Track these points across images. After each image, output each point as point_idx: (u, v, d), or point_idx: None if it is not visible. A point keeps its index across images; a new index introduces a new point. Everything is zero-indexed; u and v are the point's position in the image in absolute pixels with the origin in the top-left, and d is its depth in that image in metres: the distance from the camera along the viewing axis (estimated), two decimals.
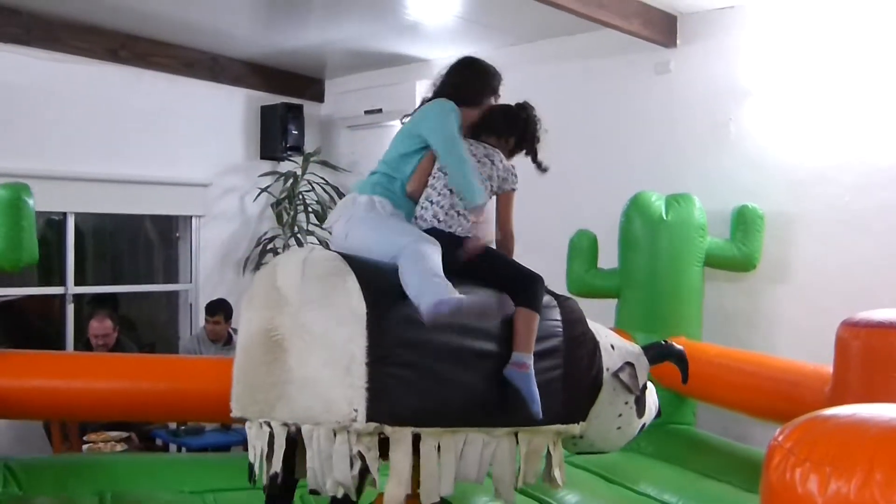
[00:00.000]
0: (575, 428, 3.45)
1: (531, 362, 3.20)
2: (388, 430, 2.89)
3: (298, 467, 3.10)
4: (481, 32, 6.57)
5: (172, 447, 5.88)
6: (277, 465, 2.94)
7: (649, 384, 3.75)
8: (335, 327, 2.87)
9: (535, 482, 3.48)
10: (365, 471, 2.91)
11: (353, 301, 2.89)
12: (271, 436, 2.92)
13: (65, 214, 6.80)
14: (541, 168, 3.78)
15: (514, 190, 3.66)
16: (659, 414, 3.85)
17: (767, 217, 5.44)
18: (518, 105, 3.80)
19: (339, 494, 2.96)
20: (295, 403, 2.85)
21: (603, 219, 5.71)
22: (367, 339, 2.85)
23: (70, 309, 6.83)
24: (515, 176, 3.66)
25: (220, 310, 6.55)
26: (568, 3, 5.23)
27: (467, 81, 3.63)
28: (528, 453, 3.33)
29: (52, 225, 6.82)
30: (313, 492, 2.98)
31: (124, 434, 5.70)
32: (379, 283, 2.98)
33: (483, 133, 3.69)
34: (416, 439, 3.01)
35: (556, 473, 3.49)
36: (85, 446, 5.54)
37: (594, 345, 3.54)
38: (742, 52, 5.72)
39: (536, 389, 3.20)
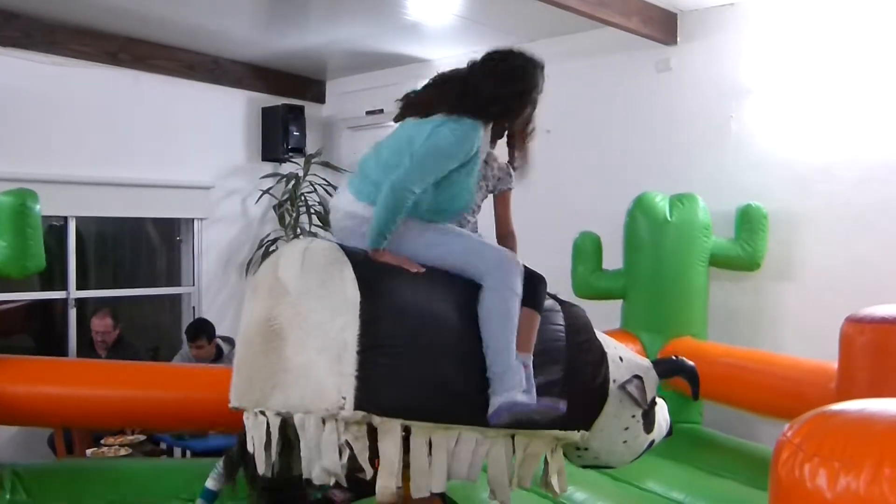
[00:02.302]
0: (574, 435, 3.40)
1: (531, 363, 3.19)
2: (376, 419, 2.86)
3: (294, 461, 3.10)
4: (481, 32, 6.56)
5: (177, 451, 5.87)
6: (273, 455, 2.94)
7: (660, 401, 3.71)
8: (330, 316, 2.86)
9: (530, 486, 3.46)
10: (354, 460, 2.89)
11: (348, 290, 2.89)
12: (267, 425, 2.92)
13: (66, 218, 6.79)
14: (513, 163, 3.73)
15: (510, 189, 3.65)
16: (670, 432, 3.78)
17: (770, 215, 5.43)
18: None
19: (331, 483, 2.94)
20: (290, 391, 2.84)
21: (607, 219, 5.71)
22: (359, 328, 2.84)
23: (72, 313, 6.82)
24: (511, 175, 3.65)
25: (201, 333, 6.30)
26: (568, 1, 5.23)
27: (514, 96, 3.28)
28: (525, 457, 3.30)
29: (54, 229, 6.80)
30: (308, 481, 2.96)
31: (141, 437, 5.70)
32: (375, 274, 2.97)
33: None
34: (409, 434, 2.99)
35: (554, 480, 3.45)
36: (89, 451, 5.53)
37: (601, 354, 3.50)
38: (743, 49, 5.71)
39: (535, 391, 3.18)
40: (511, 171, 3.65)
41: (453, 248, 3.17)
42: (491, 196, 3.77)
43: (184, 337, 6.71)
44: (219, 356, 6.26)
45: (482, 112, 3.18)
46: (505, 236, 3.66)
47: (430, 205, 3.16)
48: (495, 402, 3.03)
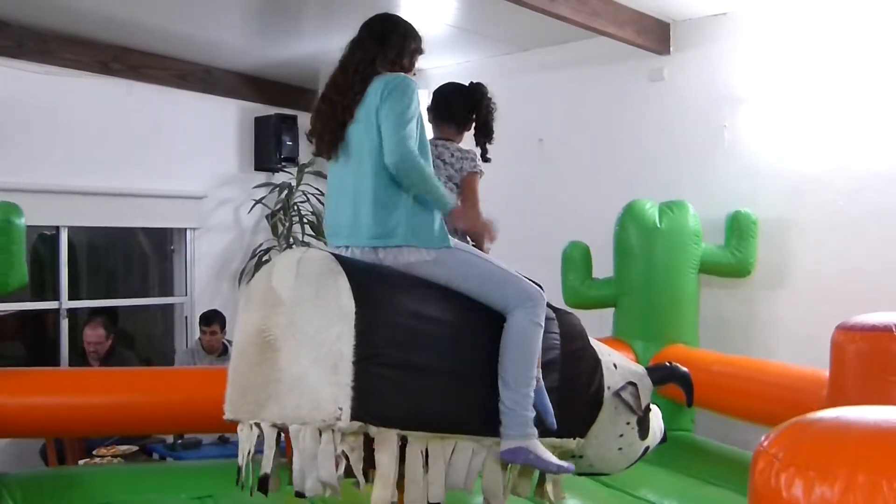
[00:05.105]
0: (570, 443, 3.41)
1: (540, 375, 3.19)
2: (372, 430, 2.86)
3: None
4: (475, 41, 6.57)
5: (170, 461, 5.85)
6: (268, 466, 2.93)
7: (654, 408, 3.71)
8: (325, 326, 2.84)
9: (528, 495, 3.45)
10: (349, 471, 2.89)
11: (342, 300, 2.87)
12: (261, 437, 2.90)
13: (57, 228, 6.77)
14: (485, 156, 3.73)
15: (475, 172, 3.61)
16: (664, 439, 3.80)
17: (762, 223, 5.44)
18: (472, 85, 3.79)
19: (326, 495, 2.92)
20: (284, 403, 2.83)
21: (598, 227, 5.71)
22: (355, 337, 2.82)
23: (64, 324, 6.79)
24: (473, 160, 3.61)
25: (214, 319, 6.54)
26: (562, 11, 5.24)
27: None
28: (522, 466, 3.30)
29: (45, 239, 6.78)
30: (299, 494, 2.94)
31: (134, 448, 5.70)
32: (370, 284, 2.96)
33: (441, 123, 3.65)
34: (405, 443, 2.98)
35: (549, 488, 3.46)
36: (81, 462, 5.51)
37: (595, 362, 3.50)
38: (735, 58, 5.72)
39: (549, 402, 3.19)
40: (475, 154, 3.61)
41: (488, 273, 3.17)
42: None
43: (177, 345, 6.73)
44: (224, 351, 6.40)
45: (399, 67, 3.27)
46: (472, 224, 3.60)
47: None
48: (509, 443, 3.07)
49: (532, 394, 3.10)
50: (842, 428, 1.57)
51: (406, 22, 3.36)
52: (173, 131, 7.32)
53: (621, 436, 3.55)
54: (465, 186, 3.60)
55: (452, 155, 3.59)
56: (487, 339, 3.14)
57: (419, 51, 3.37)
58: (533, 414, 3.10)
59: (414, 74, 3.35)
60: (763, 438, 1.64)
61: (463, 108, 3.70)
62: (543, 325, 3.17)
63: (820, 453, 1.50)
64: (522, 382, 3.08)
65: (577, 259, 5.60)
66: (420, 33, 3.37)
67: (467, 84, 3.84)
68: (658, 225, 5.36)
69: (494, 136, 3.76)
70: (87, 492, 4.34)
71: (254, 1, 6.16)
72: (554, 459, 3.13)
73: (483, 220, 3.41)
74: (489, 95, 3.75)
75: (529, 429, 3.08)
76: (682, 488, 4.59)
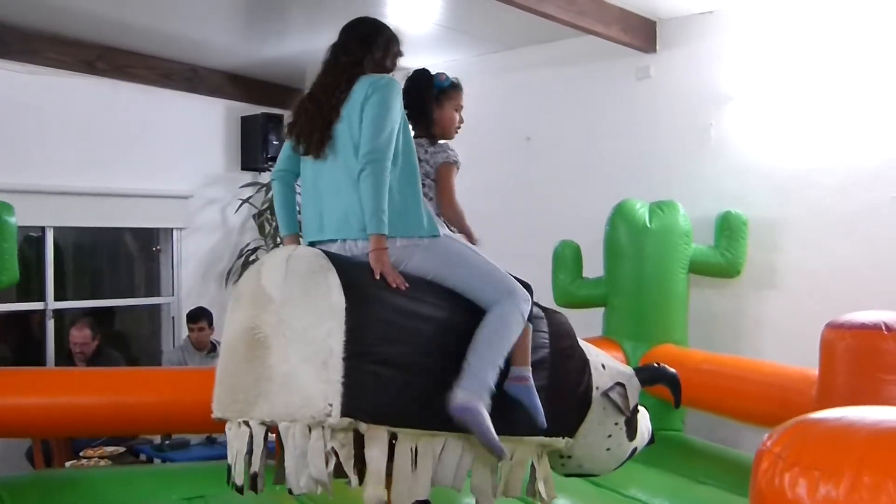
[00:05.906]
0: (559, 442, 3.41)
1: (530, 374, 3.18)
2: (362, 427, 2.84)
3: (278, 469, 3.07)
4: (462, 40, 6.56)
5: (157, 462, 5.82)
6: (257, 464, 2.91)
7: (642, 409, 3.71)
8: (315, 323, 2.83)
9: (519, 494, 3.45)
10: (341, 470, 2.87)
11: (333, 297, 2.85)
12: (251, 436, 2.89)
13: (43, 229, 6.73)
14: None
15: (449, 163, 3.59)
16: (652, 440, 3.80)
17: (751, 222, 5.45)
18: (413, 73, 3.82)
19: (318, 492, 2.91)
20: (274, 400, 2.81)
21: (588, 227, 5.71)
22: (345, 334, 2.81)
23: (50, 325, 6.75)
24: (445, 151, 3.61)
25: (202, 316, 6.55)
26: (548, 9, 5.24)
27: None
28: (511, 465, 3.28)
29: (31, 240, 6.73)
30: (290, 491, 2.93)
31: (121, 448, 5.67)
32: (360, 280, 2.94)
33: (410, 122, 3.64)
34: (394, 440, 2.97)
35: (541, 487, 3.44)
36: (68, 463, 5.48)
37: (583, 362, 3.50)
38: (722, 56, 5.72)
39: (539, 401, 3.17)
40: (448, 146, 3.61)
41: (478, 267, 3.16)
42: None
43: (164, 345, 6.68)
44: (213, 349, 6.42)
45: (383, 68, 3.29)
46: (450, 213, 3.57)
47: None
48: (462, 396, 2.95)
49: (495, 372, 3.02)
50: (847, 427, 1.55)
51: (387, 26, 3.40)
52: (159, 131, 7.29)
53: (610, 436, 3.55)
54: (440, 178, 3.56)
55: (426, 152, 3.58)
56: None
57: (400, 53, 3.42)
58: (492, 387, 3.01)
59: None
60: (766, 437, 1.63)
61: (414, 99, 3.69)
62: (525, 317, 3.15)
63: (825, 453, 1.49)
64: (490, 354, 3.03)
65: (567, 258, 5.61)
66: (400, 36, 3.42)
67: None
68: (648, 225, 5.36)
69: (432, 117, 3.72)
70: (76, 494, 4.32)
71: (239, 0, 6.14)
72: (496, 438, 3.01)
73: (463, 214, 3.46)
74: (428, 74, 3.78)
75: (485, 393, 2.99)
76: (673, 487, 4.59)
